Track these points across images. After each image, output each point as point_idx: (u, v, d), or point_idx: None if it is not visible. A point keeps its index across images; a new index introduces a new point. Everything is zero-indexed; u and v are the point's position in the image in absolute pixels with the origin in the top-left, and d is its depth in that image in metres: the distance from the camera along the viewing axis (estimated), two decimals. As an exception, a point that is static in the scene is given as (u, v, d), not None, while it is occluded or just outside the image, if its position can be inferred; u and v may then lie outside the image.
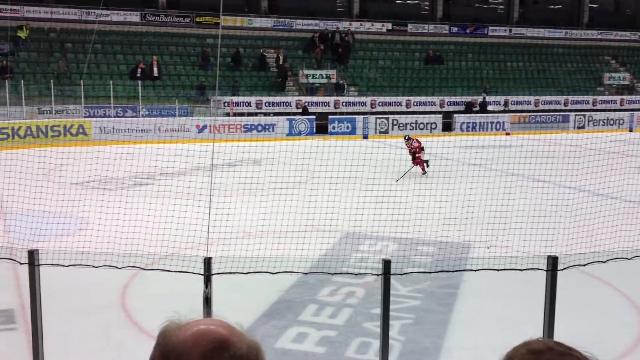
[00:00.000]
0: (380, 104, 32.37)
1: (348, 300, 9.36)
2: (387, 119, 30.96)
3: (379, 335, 5.05)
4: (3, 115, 24.67)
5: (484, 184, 13.11)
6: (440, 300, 9.39)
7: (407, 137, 20.67)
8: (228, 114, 28.76)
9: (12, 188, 13.17)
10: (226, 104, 29.20)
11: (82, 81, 26.74)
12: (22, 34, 29.53)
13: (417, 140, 20.19)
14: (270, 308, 9.01)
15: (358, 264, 10.72)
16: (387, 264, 4.89)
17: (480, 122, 32.64)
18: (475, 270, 7.72)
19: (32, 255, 4.29)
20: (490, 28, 41.33)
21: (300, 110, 30.19)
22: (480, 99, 33.75)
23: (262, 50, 33.71)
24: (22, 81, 26.09)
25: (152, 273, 8.08)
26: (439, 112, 32.58)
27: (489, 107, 33.75)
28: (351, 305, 9.20)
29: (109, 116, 26.90)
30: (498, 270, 6.65)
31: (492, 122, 32.93)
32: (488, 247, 11.24)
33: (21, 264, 4.25)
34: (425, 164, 19.79)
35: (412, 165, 19.60)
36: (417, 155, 19.70)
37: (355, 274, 9.50)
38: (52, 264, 4.32)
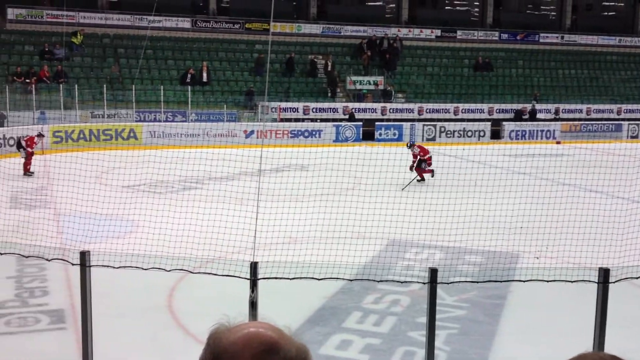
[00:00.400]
0: (428, 110, 32.15)
1: (393, 309, 9.30)
2: (435, 126, 30.73)
3: (425, 344, 5.00)
4: (58, 118, 25.30)
5: (533, 194, 12.89)
6: (486, 311, 9.26)
7: (409, 144, 20.18)
8: (275, 120, 28.96)
9: (65, 190, 13.49)
10: (274, 110, 29.41)
11: (133, 86, 27.27)
12: (76, 40, 30.27)
13: (422, 148, 19.61)
14: (314, 314, 9.02)
15: (403, 272, 10.65)
16: (433, 272, 4.84)
17: (530, 130, 32.12)
18: (524, 281, 7.59)
19: (84, 256, 4.38)
20: (542, 35, 40.66)
21: (347, 117, 30.22)
22: (529, 106, 33.22)
23: (313, 56, 33.84)
24: (77, 86, 26.71)
25: (198, 276, 8.16)
26: (488, 120, 32.17)
27: (539, 115, 33.19)
28: (396, 313, 9.13)
29: (159, 121, 27.34)
30: (548, 281, 6.52)
31: (542, 131, 32.37)
32: (537, 258, 11.03)
33: (73, 264, 4.35)
34: (430, 173, 19.30)
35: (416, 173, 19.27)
36: (422, 163, 19.26)
37: (401, 282, 9.43)
38: (102, 265, 4.40)
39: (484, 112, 32.91)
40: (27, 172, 19.47)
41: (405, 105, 32.38)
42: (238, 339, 1.40)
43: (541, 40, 40.45)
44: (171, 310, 9.36)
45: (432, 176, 19.33)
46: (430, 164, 19.37)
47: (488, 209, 12.79)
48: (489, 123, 31.63)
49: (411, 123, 30.51)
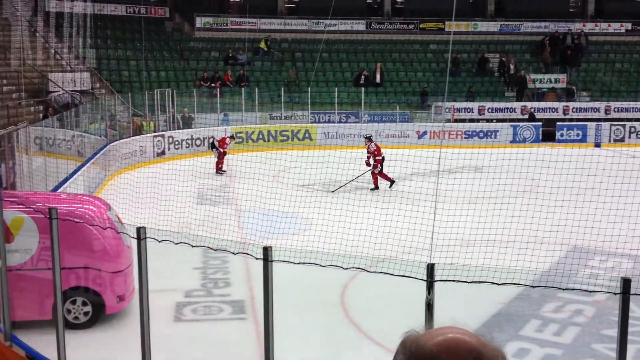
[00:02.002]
0: (616, 109, 30.06)
1: (575, 319, 8.78)
2: (624, 126, 28.63)
3: (615, 359, 4.64)
4: (239, 120, 26.68)
5: None
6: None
7: (367, 137, 18.92)
8: (449, 120, 28.51)
9: (246, 188, 14.20)
10: (447, 110, 28.97)
11: (309, 88, 28.10)
12: (264, 46, 31.77)
13: (378, 148, 18.23)
14: (490, 320, 8.73)
15: (587, 281, 10.02)
16: (626, 282, 4.47)
17: None
18: None
19: (267, 251, 4.53)
20: None
21: (525, 117, 29.04)
22: None
23: (485, 54, 32.92)
24: (257, 89, 28.02)
25: (369, 275, 8.19)
26: (684, 119, 29.47)
27: None
28: (579, 323, 8.62)
29: (333, 122, 27.95)
30: None
31: None
32: None
33: (257, 259, 4.52)
34: (390, 182, 17.92)
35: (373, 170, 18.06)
36: (374, 162, 18.01)
37: (589, 291, 8.85)
38: (283, 261, 4.54)
39: (680, 111, 30.19)
40: (219, 170, 20.73)
41: (590, 104, 30.51)
42: (441, 346, 1.35)
43: None
44: (344, 307, 9.50)
45: (390, 187, 17.91)
46: (377, 167, 18.03)
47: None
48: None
49: (597, 123, 28.66)
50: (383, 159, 18.13)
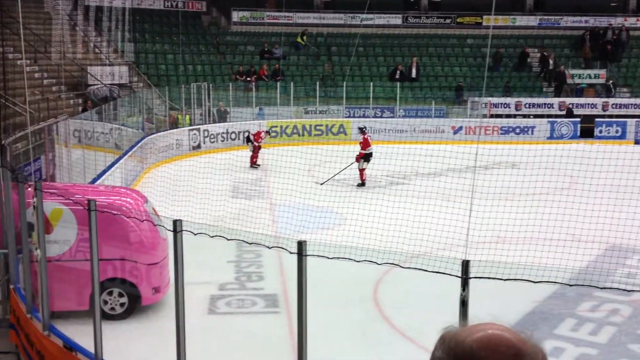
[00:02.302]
0: (657, 106, 29.44)
1: (611, 318, 8.65)
2: (665, 123, 28.04)
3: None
4: (274, 114, 26.78)
5: None
6: None
7: (360, 128, 18.76)
8: (485, 116, 28.22)
9: (280, 182, 14.26)
10: (483, 105, 28.68)
11: (344, 83, 28.06)
12: (302, 40, 31.82)
13: (366, 140, 17.89)
14: (524, 318, 8.65)
15: (624, 280, 9.86)
16: (664, 283, 4.41)
17: None
18: None
19: (301, 245, 4.55)
20: None
21: (563, 112, 28.61)
22: None
23: (525, 49, 32.46)
24: (292, 83, 28.08)
25: (402, 270, 8.17)
26: None
27: None
28: (615, 323, 8.49)
29: (368, 116, 27.88)
30: None
31: None
32: None
33: (291, 253, 4.55)
34: (363, 176, 17.75)
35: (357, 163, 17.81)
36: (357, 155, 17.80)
37: (628, 291, 8.70)
38: (317, 255, 4.55)
39: None
40: (253, 164, 20.86)
41: (631, 100, 29.93)
42: (481, 342, 1.34)
43: None
44: (376, 303, 9.50)
45: (358, 186, 17.65)
46: (358, 160, 17.78)
47: None
48: None
49: (637, 119, 28.09)
50: (369, 154, 17.91)
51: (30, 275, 7.55)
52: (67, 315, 7.97)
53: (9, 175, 8.17)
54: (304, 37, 31.83)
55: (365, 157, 17.86)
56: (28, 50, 20.35)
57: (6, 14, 15.89)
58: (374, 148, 18.23)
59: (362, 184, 17.82)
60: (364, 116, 28.00)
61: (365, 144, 17.93)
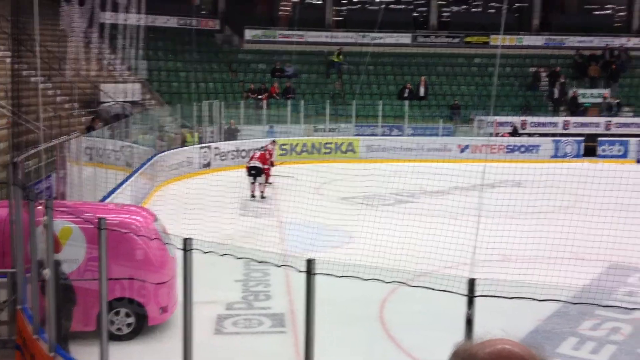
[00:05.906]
0: (660, 125, 29.55)
1: (612, 337, 8.78)
2: (667, 142, 28.11)
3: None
4: (285, 132, 26.98)
5: None
6: None
7: (272, 141, 20.38)
8: (491, 134, 28.39)
9: (288, 200, 14.44)
10: (489, 124, 28.85)
11: (354, 101, 28.30)
12: (337, 58, 32.15)
13: (271, 153, 19.42)
14: (526, 337, 8.76)
15: (626, 298, 9.99)
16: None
17: None
18: None
19: (310, 263, 4.63)
20: None
21: (566, 131, 28.81)
22: None
23: (537, 69, 32.72)
24: (302, 101, 28.33)
25: (408, 289, 8.32)
26: None
27: None
28: (616, 342, 8.62)
29: (376, 135, 28.08)
30: None
31: None
32: None
33: (299, 271, 4.67)
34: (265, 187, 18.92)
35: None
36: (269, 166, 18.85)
37: (629, 309, 8.82)
38: (325, 274, 4.67)
39: None
40: (267, 181, 20.91)
41: (635, 120, 30.06)
42: (492, 355, 1.44)
43: None
44: (382, 322, 9.61)
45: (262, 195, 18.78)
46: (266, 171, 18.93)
47: None
48: None
49: (639, 139, 28.22)
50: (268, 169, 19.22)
51: (38, 296, 7.22)
52: (73, 336, 7.79)
53: (20, 193, 7.85)
54: (340, 56, 32.10)
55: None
56: (42, 67, 20.68)
57: (22, 31, 16.15)
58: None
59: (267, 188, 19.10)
60: (372, 134, 28.21)
61: (261, 157, 19.14)
